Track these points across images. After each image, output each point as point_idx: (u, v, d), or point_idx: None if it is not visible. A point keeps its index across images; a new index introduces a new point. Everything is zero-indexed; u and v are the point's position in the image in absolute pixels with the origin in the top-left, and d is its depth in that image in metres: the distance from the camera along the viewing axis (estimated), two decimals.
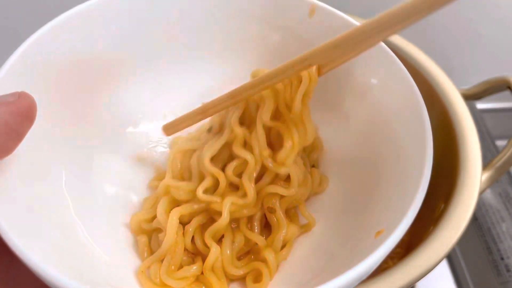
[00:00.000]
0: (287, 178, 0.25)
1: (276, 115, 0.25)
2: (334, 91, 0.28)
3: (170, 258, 0.24)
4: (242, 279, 0.25)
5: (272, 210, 0.25)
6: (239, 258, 0.26)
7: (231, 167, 0.25)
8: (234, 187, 0.26)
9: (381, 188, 0.25)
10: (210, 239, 0.24)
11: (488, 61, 0.61)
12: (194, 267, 0.24)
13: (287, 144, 0.24)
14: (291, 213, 0.27)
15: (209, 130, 0.27)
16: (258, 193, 0.25)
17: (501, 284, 0.42)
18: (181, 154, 0.27)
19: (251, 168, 0.24)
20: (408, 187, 0.21)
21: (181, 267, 0.25)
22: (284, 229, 0.25)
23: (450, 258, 0.49)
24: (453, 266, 0.48)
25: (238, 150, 0.25)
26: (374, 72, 0.26)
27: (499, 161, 0.36)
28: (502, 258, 0.44)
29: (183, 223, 0.25)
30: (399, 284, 0.28)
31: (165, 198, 0.26)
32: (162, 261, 0.24)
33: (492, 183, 0.35)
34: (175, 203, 0.26)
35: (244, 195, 0.25)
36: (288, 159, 0.24)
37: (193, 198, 0.25)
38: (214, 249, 0.24)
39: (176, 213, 0.25)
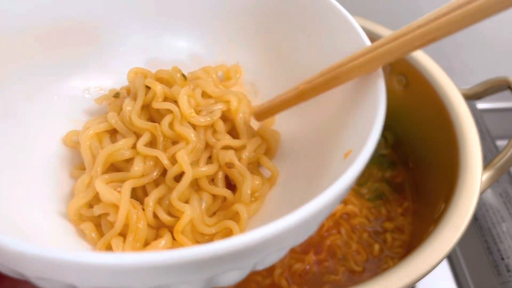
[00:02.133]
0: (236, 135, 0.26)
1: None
2: None
3: (134, 235, 0.22)
4: (211, 240, 0.24)
5: (230, 165, 0.24)
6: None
7: (165, 122, 0.25)
8: (174, 143, 0.25)
9: (337, 120, 0.25)
10: (178, 201, 0.23)
11: (488, 61, 0.61)
12: (163, 241, 0.22)
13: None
14: (250, 168, 0.26)
15: (116, 95, 0.27)
16: (212, 152, 0.25)
17: (501, 284, 0.42)
18: (97, 138, 0.25)
19: (178, 116, 0.25)
20: (367, 109, 0.22)
21: (147, 243, 0.23)
22: (248, 179, 0.24)
23: (450, 258, 0.49)
24: (453, 266, 0.48)
25: (160, 104, 0.25)
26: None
27: (499, 161, 0.36)
28: (502, 258, 0.44)
29: (138, 199, 0.24)
30: (399, 284, 0.28)
31: (101, 178, 0.23)
32: (124, 238, 0.22)
33: (492, 183, 0.35)
34: (116, 181, 0.24)
35: (187, 142, 0.24)
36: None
37: (137, 154, 0.24)
38: (189, 210, 0.22)
39: (128, 186, 0.23)
